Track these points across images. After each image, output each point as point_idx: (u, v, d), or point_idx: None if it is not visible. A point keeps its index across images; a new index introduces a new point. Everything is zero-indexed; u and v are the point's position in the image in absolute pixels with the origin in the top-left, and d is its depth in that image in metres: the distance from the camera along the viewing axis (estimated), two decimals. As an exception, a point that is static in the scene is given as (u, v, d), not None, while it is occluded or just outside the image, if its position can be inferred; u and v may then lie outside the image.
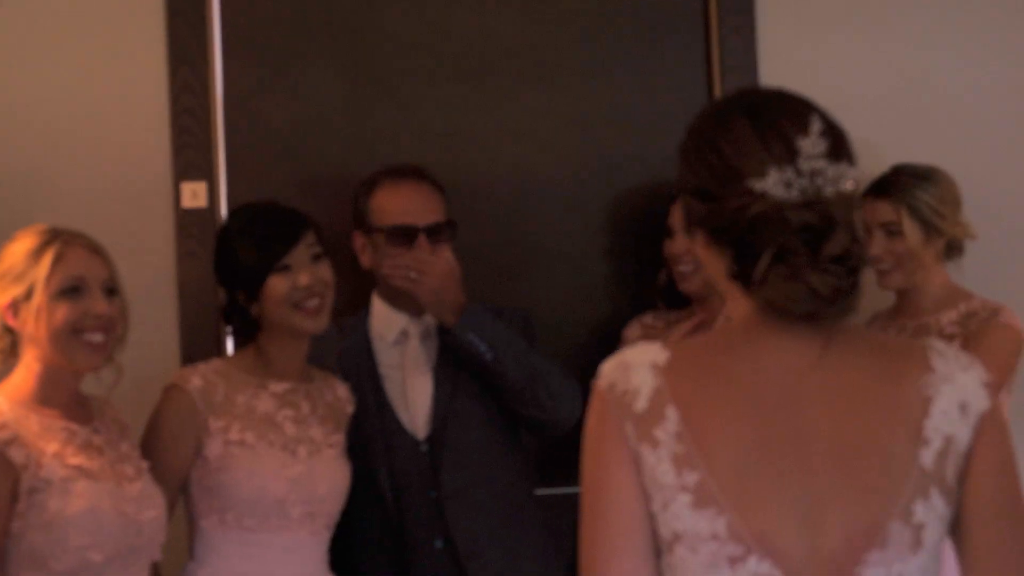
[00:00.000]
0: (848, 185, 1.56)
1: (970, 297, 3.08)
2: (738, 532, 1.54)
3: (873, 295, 3.24)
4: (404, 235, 2.86)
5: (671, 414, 1.57)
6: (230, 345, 3.06)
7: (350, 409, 2.84)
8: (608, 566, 1.59)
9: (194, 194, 3.20)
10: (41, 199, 3.16)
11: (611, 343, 3.11)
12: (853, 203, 1.57)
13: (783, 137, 1.57)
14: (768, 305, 1.57)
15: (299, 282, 2.68)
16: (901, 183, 3.06)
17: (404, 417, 2.91)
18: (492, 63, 3.29)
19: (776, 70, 3.32)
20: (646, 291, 3.25)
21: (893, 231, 3.04)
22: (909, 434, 1.57)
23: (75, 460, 2.37)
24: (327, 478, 2.67)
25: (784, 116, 1.60)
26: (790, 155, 1.56)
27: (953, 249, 3.11)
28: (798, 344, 1.60)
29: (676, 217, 3.06)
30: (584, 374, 2.67)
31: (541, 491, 3.06)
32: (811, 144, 1.56)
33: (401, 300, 2.94)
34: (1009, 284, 3.28)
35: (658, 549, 1.60)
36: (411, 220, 2.87)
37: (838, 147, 1.59)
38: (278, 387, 2.71)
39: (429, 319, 2.94)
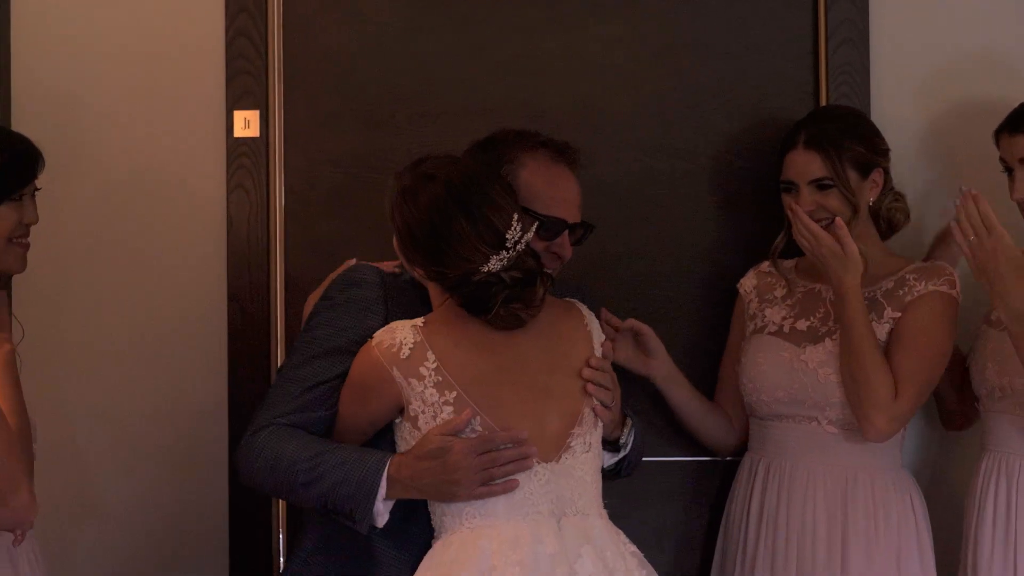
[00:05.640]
0: (529, 236, 2.36)
1: None
2: (489, 426, 2.34)
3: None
4: (556, 228, 2.62)
5: (430, 356, 2.35)
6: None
7: None
8: None
9: (246, 123, 3.05)
10: (86, 122, 3.06)
11: (705, 296, 3.02)
12: (532, 249, 2.39)
13: (493, 230, 2.33)
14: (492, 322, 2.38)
15: (27, 217, 2.50)
16: None
17: None
18: (567, -15, 3.09)
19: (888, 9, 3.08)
20: (747, 238, 3.06)
21: None
22: (587, 351, 2.45)
23: None
24: None
25: (489, 207, 2.33)
26: (500, 242, 2.33)
27: None
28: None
29: (795, 168, 2.80)
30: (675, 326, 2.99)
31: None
32: (512, 232, 2.33)
33: None
34: None
35: None
36: (563, 214, 2.62)
37: (525, 220, 2.37)
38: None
39: None
